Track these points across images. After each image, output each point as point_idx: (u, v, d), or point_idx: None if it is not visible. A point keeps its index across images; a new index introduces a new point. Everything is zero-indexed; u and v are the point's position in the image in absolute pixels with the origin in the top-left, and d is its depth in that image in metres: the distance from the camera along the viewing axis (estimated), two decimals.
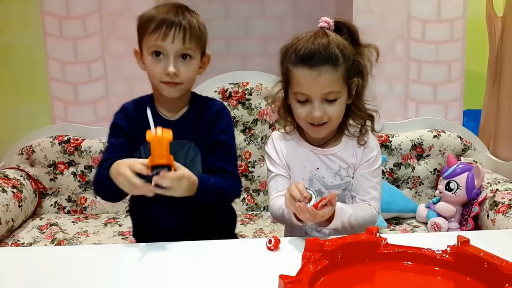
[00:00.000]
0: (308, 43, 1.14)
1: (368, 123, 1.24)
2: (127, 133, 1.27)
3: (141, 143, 1.26)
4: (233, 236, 1.43)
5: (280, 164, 1.26)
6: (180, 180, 1.08)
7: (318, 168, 1.23)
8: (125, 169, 1.06)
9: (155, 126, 1.06)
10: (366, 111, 1.23)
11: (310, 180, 1.24)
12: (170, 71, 1.18)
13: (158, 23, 1.17)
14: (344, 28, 1.19)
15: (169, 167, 1.06)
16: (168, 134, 1.05)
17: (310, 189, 1.09)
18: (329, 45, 1.13)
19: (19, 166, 2.05)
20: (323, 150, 1.24)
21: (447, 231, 1.74)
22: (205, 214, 1.27)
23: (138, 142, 1.26)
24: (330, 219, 1.11)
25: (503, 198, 1.66)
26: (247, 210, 2.08)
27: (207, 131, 1.26)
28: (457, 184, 1.76)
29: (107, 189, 1.17)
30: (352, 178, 1.24)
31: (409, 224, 1.90)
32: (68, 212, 2.07)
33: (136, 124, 1.26)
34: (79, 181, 2.06)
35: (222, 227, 1.35)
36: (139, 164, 1.07)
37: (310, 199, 1.05)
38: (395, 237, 1.02)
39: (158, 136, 1.03)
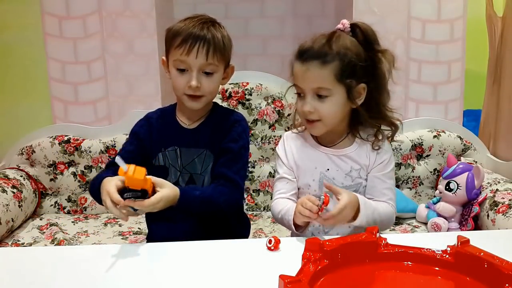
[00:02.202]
0: (311, 41, 1.17)
1: (383, 129, 1.24)
2: (143, 141, 1.31)
3: (159, 150, 1.31)
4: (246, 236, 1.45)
5: (287, 166, 1.27)
6: (154, 204, 1.08)
7: (328, 169, 1.23)
8: (111, 186, 1.07)
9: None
10: (388, 119, 1.23)
11: (320, 181, 1.24)
12: (192, 85, 1.22)
13: (183, 38, 1.21)
14: (358, 30, 1.19)
15: (144, 192, 1.06)
16: (139, 173, 1.03)
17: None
18: (327, 44, 1.15)
19: (19, 166, 2.05)
20: (335, 151, 1.24)
21: (447, 231, 1.74)
22: (215, 224, 1.29)
23: (157, 149, 1.31)
24: (354, 216, 1.12)
25: (503, 198, 1.66)
26: (247, 210, 2.08)
27: (220, 140, 1.29)
28: (457, 184, 1.76)
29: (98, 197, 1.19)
30: (365, 180, 1.24)
31: (409, 224, 1.90)
32: (68, 212, 2.07)
33: (157, 132, 1.32)
34: (79, 181, 2.06)
35: (236, 235, 1.34)
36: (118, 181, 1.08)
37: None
38: (395, 237, 1.02)
39: (129, 174, 1.02)
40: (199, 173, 1.30)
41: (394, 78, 1.22)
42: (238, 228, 1.41)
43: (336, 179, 1.23)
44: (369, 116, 1.21)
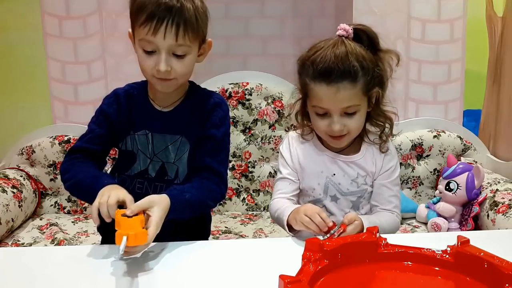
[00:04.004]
0: (326, 56, 1.10)
1: (387, 126, 1.22)
2: (112, 122, 1.19)
3: (128, 133, 1.20)
4: (208, 230, 1.36)
5: (292, 167, 1.24)
6: (153, 237, 0.97)
7: (334, 174, 1.22)
8: (113, 198, 0.99)
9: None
10: (385, 114, 1.21)
11: (325, 186, 1.22)
12: (161, 69, 1.08)
13: (148, 14, 1.05)
14: (364, 35, 1.15)
15: None
16: (141, 239, 0.92)
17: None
18: (347, 58, 1.10)
19: (19, 166, 2.05)
20: (342, 157, 1.22)
21: (447, 231, 1.74)
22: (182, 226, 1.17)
23: (126, 132, 1.20)
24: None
25: (503, 198, 1.66)
26: (247, 210, 2.08)
27: (200, 126, 1.18)
28: (457, 184, 1.76)
29: (84, 196, 1.13)
30: (370, 186, 1.23)
31: (409, 224, 1.90)
32: (68, 212, 2.07)
33: (127, 113, 1.20)
34: None
35: (199, 221, 1.28)
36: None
37: (333, 227, 1.05)
38: (395, 237, 1.02)
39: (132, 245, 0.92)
40: (172, 162, 1.19)
41: (394, 77, 1.21)
42: (203, 222, 1.32)
43: (342, 184, 1.22)
44: (373, 114, 1.21)
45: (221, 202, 2.07)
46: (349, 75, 1.09)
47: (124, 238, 0.89)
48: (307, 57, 1.15)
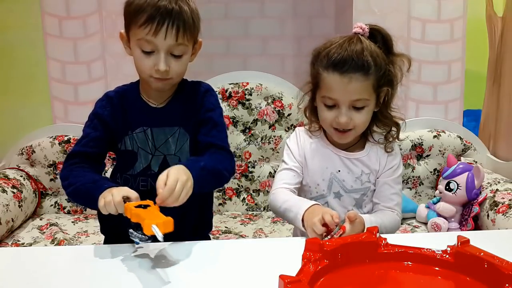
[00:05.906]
0: (342, 48, 1.13)
1: (393, 130, 1.24)
2: (108, 123, 1.20)
3: (126, 134, 1.21)
4: (210, 228, 1.37)
5: (298, 160, 1.25)
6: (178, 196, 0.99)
7: (339, 171, 1.23)
8: (117, 195, 1.00)
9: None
10: (393, 119, 1.23)
11: (330, 182, 1.23)
12: (161, 69, 1.11)
13: (148, 16, 1.08)
14: (379, 36, 1.19)
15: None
16: (168, 226, 0.92)
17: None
18: (362, 52, 1.12)
19: (19, 166, 2.05)
20: (347, 154, 1.23)
21: (447, 231, 1.74)
22: (190, 214, 1.21)
23: (123, 132, 1.21)
24: None
25: (503, 198, 1.66)
26: (247, 210, 2.08)
27: (195, 114, 1.21)
28: (457, 184, 1.77)
29: (84, 202, 1.14)
30: (373, 184, 1.24)
31: (409, 224, 1.90)
32: (68, 212, 2.07)
33: (121, 114, 1.21)
34: None
35: (203, 221, 1.30)
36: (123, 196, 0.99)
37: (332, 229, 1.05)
38: (395, 237, 1.02)
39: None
40: (173, 154, 1.21)
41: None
42: (208, 213, 1.33)
43: (346, 181, 1.23)
44: (380, 116, 1.22)
45: (221, 201, 2.08)
46: (363, 67, 1.12)
47: (154, 226, 0.90)
48: (322, 48, 1.17)
